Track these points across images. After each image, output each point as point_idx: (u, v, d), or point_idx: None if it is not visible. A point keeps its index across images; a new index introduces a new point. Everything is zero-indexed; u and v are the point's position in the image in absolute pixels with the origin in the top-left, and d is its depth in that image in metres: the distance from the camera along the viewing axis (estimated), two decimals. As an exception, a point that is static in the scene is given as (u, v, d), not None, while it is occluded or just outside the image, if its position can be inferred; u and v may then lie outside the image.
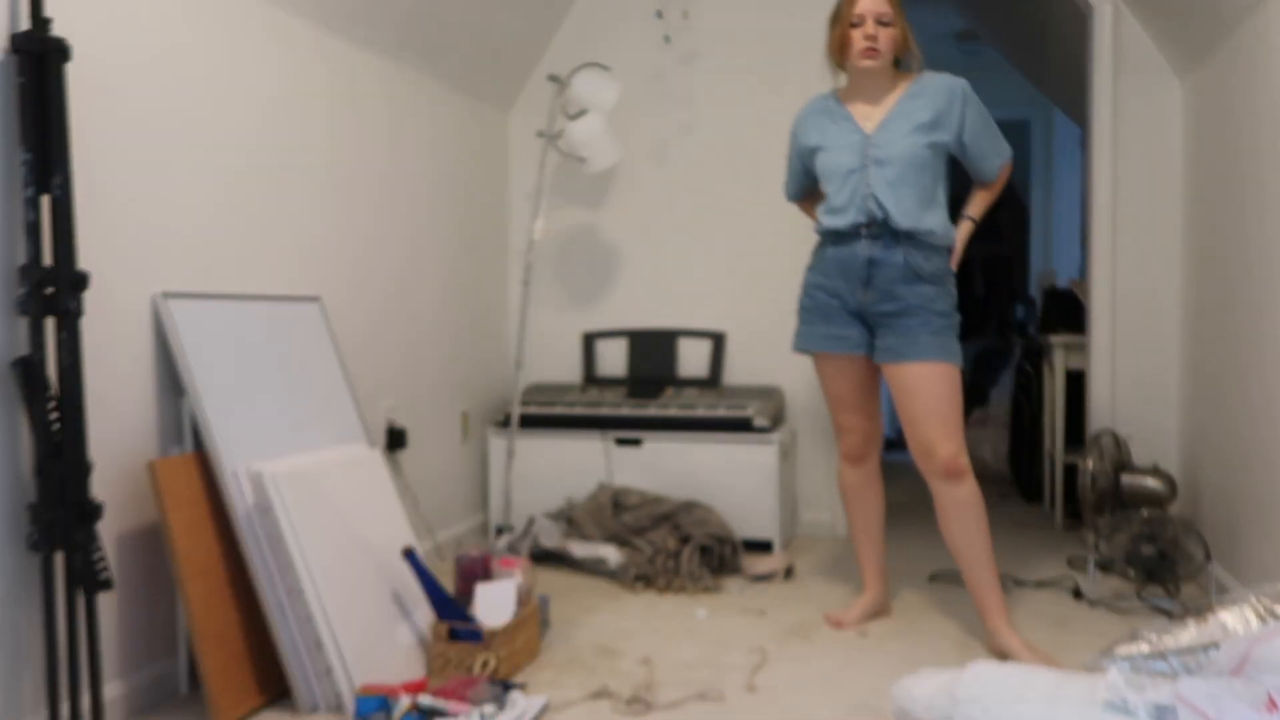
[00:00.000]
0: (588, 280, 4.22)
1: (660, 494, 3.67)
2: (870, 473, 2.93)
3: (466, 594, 2.65)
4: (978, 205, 2.80)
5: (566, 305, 4.23)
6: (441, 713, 2.16)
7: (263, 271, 2.71)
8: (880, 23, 2.61)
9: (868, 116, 2.70)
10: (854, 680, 2.45)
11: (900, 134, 2.65)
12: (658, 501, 3.57)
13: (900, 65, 2.72)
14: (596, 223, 4.20)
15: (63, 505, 1.97)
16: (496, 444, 3.87)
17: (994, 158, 2.73)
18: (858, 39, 2.63)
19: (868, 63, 2.64)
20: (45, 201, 1.97)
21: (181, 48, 2.41)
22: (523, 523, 3.65)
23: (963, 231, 2.75)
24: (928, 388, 2.63)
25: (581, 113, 3.72)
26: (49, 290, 1.96)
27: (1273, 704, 1.54)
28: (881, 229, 2.64)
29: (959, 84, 2.67)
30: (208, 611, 2.22)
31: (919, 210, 2.63)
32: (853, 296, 2.70)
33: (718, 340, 4.07)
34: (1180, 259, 3.76)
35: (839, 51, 2.69)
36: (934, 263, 2.67)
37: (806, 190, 2.96)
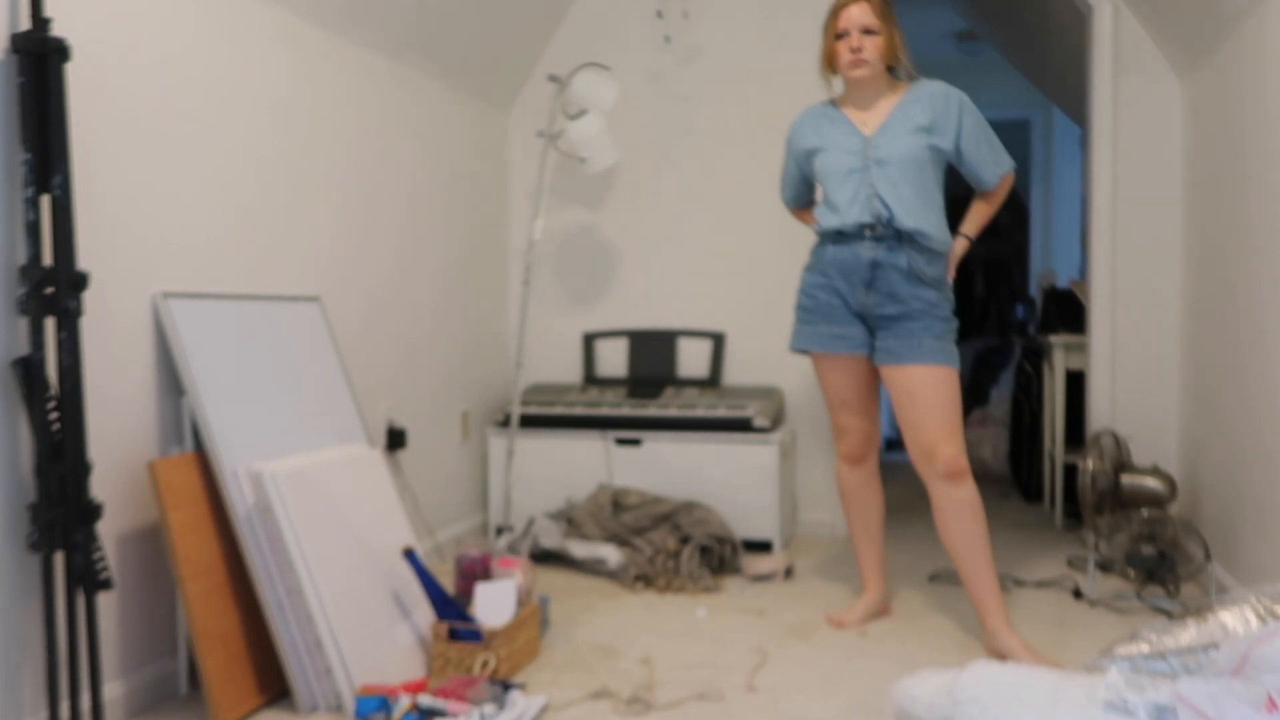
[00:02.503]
0: (588, 280, 4.22)
1: (660, 494, 3.67)
2: (869, 473, 2.93)
3: (466, 594, 2.65)
4: (974, 222, 2.79)
5: (566, 305, 4.23)
6: (441, 713, 2.16)
7: (263, 271, 2.71)
8: (866, 32, 2.62)
9: (865, 122, 2.71)
10: (854, 680, 2.45)
11: (900, 135, 2.65)
12: (658, 501, 3.57)
13: (893, 73, 2.73)
14: (596, 223, 4.20)
15: (63, 505, 1.97)
16: (496, 444, 3.87)
17: (993, 166, 2.71)
18: (843, 51, 2.65)
19: (856, 73, 2.65)
20: (45, 201, 1.97)
21: (182, 47, 2.41)
22: (523, 523, 3.65)
23: (958, 248, 2.75)
24: (929, 390, 2.63)
25: (581, 113, 3.72)
26: (49, 290, 1.96)
27: (1273, 704, 1.54)
28: (886, 230, 2.65)
29: (955, 92, 2.67)
30: (208, 611, 2.22)
31: (922, 210, 2.64)
32: (854, 297, 2.70)
33: (718, 340, 4.07)
34: (1180, 259, 3.76)
35: (829, 63, 2.72)
36: (936, 267, 2.68)
37: (803, 198, 2.97)
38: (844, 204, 2.67)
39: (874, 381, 2.84)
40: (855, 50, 2.62)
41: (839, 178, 2.69)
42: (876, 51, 2.63)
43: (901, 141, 2.63)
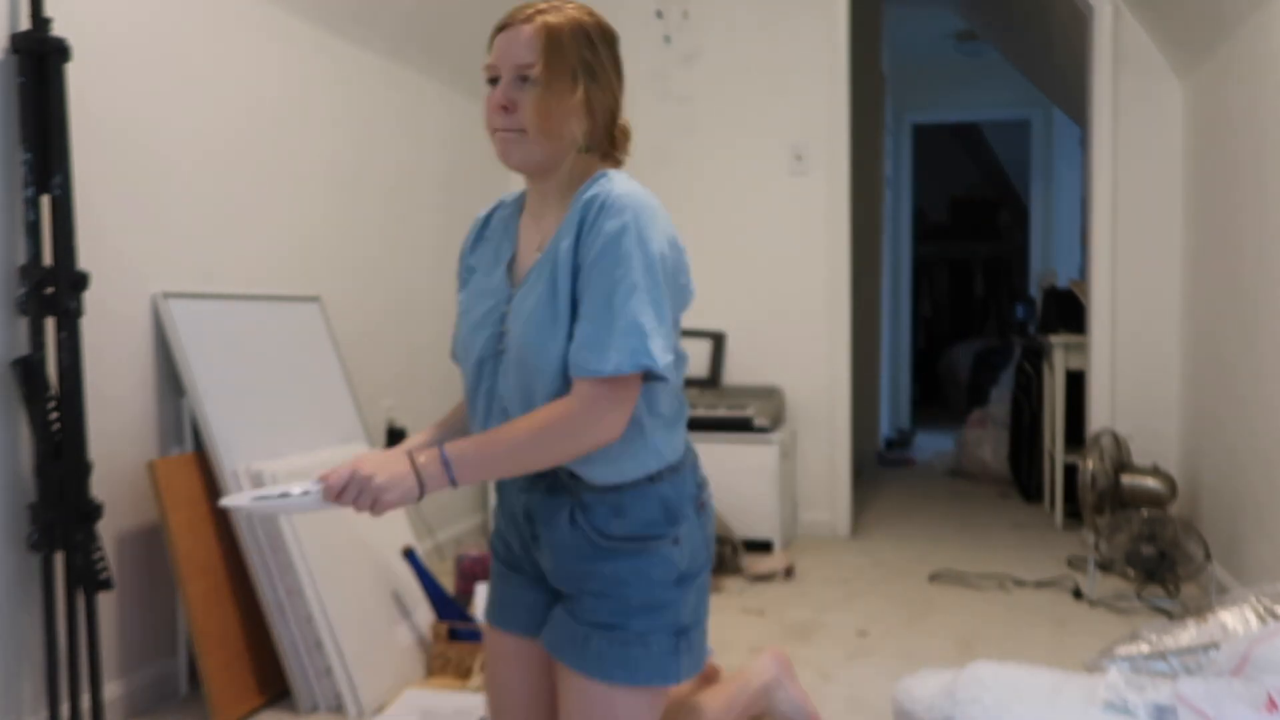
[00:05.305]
0: (588, 280, 4.21)
1: (660, 494, 3.67)
2: None
3: (466, 594, 2.65)
4: (474, 448, 1.35)
5: (566, 305, 4.22)
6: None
7: (263, 271, 2.71)
8: (520, 78, 1.42)
9: (526, 251, 1.51)
10: (854, 680, 2.45)
11: (529, 298, 1.42)
12: (658, 501, 3.56)
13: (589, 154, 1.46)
14: (596, 223, 4.20)
15: (63, 505, 1.97)
16: (496, 444, 3.86)
17: (587, 350, 1.34)
18: (488, 110, 1.46)
19: (502, 155, 1.45)
20: (45, 201, 1.97)
21: (182, 48, 2.41)
22: (523, 523, 3.64)
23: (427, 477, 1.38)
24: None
25: (581, 113, 3.71)
26: (49, 290, 1.96)
27: (1273, 704, 1.54)
28: None
29: (599, 198, 1.41)
30: (208, 611, 2.22)
31: None
32: (523, 550, 1.52)
33: (718, 340, 4.07)
34: (1180, 259, 3.76)
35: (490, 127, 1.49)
36: (635, 515, 1.42)
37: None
38: (469, 397, 1.50)
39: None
40: (501, 109, 1.43)
41: (463, 347, 1.51)
42: (537, 116, 1.40)
43: (525, 312, 1.42)
